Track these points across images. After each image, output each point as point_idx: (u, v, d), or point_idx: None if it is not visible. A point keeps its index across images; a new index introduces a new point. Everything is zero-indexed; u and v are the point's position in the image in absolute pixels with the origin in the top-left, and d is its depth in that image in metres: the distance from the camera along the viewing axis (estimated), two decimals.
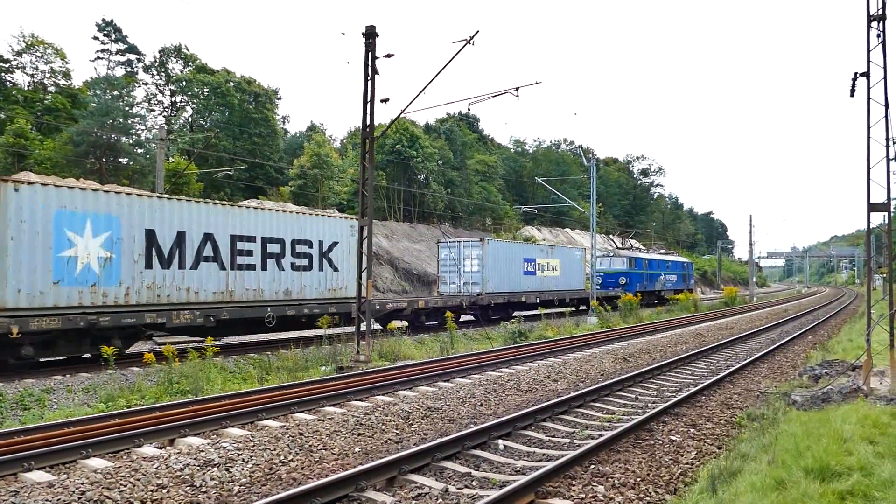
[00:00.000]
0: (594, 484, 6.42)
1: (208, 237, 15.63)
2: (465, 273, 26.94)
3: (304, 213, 19.10)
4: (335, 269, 19.02)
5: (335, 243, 19.09)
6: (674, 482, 6.68)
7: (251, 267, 16.69)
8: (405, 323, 22.51)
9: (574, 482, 6.47)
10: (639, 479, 6.62)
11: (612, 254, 41.54)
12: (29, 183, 12.74)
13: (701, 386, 11.54)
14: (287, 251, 17.67)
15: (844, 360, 14.11)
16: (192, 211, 15.40)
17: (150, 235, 14.50)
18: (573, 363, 14.67)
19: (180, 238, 15.05)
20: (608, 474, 6.72)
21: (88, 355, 13.86)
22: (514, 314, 28.02)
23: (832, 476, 6.11)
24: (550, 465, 6.59)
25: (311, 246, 18.38)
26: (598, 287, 35.64)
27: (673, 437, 8.34)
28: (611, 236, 77.84)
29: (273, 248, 17.26)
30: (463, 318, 25.03)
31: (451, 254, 27.58)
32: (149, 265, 14.45)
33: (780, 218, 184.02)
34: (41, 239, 12.68)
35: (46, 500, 5.68)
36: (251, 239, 16.70)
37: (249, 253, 16.65)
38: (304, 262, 18.17)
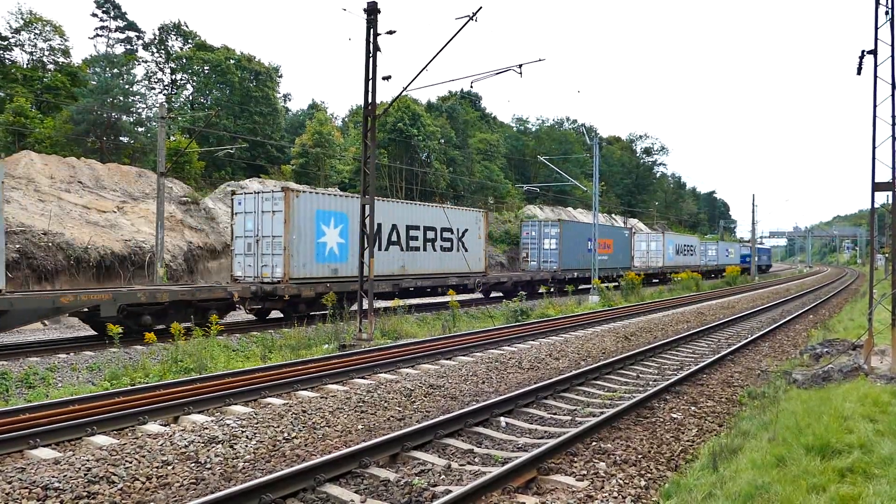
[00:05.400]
0: (596, 461, 6.47)
1: None
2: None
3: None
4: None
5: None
6: (675, 459, 6.73)
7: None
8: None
9: (576, 459, 6.52)
10: (640, 456, 6.67)
11: (746, 243, 72.52)
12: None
13: (702, 364, 11.59)
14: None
15: (845, 339, 14.13)
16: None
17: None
18: (574, 341, 14.71)
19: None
20: (610, 451, 6.76)
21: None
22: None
23: (832, 453, 6.15)
24: (552, 442, 6.64)
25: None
26: (738, 262, 63.35)
27: (674, 415, 8.39)
28: (613, 215, 77.63)
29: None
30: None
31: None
32: None
33: (783, 198, 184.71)
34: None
35: (53, 477, 5.74)
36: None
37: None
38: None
